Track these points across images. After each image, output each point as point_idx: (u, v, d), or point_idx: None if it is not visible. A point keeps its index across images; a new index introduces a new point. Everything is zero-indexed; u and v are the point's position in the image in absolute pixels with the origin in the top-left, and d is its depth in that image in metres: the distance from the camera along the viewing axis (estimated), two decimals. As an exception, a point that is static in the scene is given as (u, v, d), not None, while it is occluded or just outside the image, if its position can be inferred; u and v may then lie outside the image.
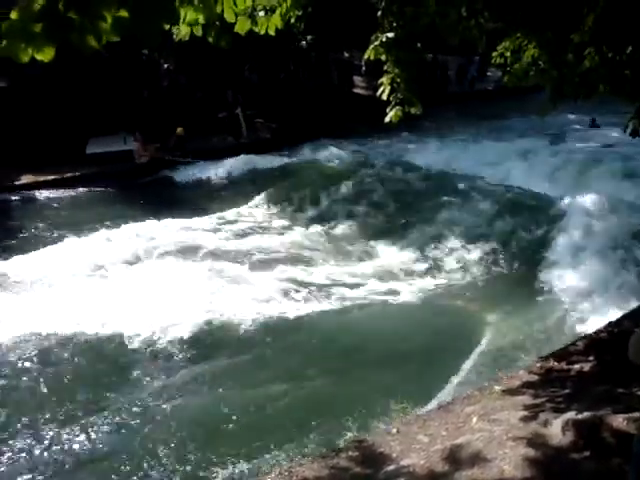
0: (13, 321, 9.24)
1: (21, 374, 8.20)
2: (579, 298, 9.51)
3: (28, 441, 6.91)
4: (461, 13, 5.72)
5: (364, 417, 6.63)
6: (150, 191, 16.35)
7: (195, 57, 18.95)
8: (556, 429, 4.13)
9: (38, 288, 10.47)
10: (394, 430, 5.08)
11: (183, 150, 18.33)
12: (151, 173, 17.49)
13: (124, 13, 1.81)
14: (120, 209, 15.00)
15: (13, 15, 1.79)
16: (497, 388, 5.61)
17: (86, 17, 1.75)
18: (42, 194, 16.29)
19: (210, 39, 3.64)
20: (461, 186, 14.35)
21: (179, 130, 18.58)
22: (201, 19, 3.36)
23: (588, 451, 3.83)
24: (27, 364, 8.40)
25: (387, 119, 5.45)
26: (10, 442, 6.87)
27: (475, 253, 11.47)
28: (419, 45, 5.43)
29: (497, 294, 10.24)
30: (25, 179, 16.94)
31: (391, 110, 5.39)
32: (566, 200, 12.36)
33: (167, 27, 3.51)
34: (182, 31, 3.61)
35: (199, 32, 3.53)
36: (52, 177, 16.94)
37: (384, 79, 5.36)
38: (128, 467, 6.42)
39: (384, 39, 5.22)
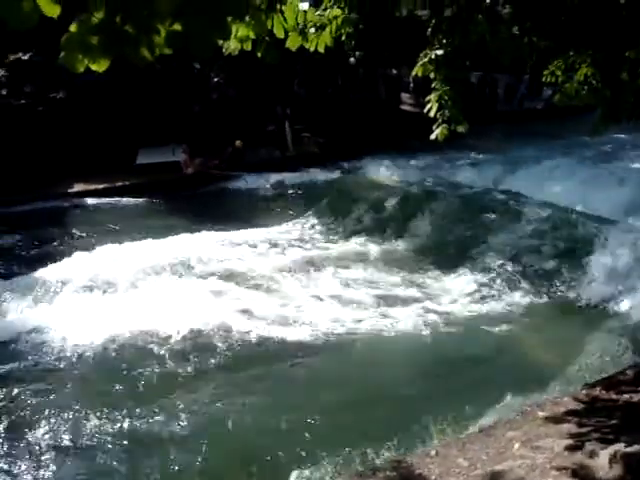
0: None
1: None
2: (629, 325, 9.20)
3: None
4: (512, 31, 5.66)
5: (403, 437, 6.53)
6: (196, 202, 16.61)
7: (245, 71, 19.30)
8: (603, 461, 3.98)
9: (70, 294, 10.73)
10: (433, 452, 4.99)
11: (238, 163, 18.54)
12: (199, 185, 17.77)
13: (178, 27, 1.85)
14: (166, 219, 15.29)
15: (72, 28, 1.86)
16: (540, 414, 5.46)
17: (142, 31, 1.80)
18: (93, 202, 16.73)
19: (259, 54, 3.70)
20: (509, 206, 14.09)
21: (238, 143, 18.84)
22: (251, 34, 3.43)
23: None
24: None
25: (433, 136, 5.43)
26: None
27: (521, 275, 11.21)
28: (468, 63, 5.40)
29: (543, 318, 9.98)
30: (77, 187, 17.45)
31: (437, 128, 5.37)
32: (620, 222, 12.01)
33: (220, 42, 3.60)
34: (231, 46, 3.69)
35: (249, 47, 3.60)
36: (103, 186, 17.42)
37: (432, 96, 5.34)
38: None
39: (433, 56, 5.21)
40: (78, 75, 2.03)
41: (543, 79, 6.58)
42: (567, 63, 6.21)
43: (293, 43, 3.81)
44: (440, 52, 5.16)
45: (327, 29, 4.37)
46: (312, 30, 4.19)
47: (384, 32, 18.48)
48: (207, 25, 1.81)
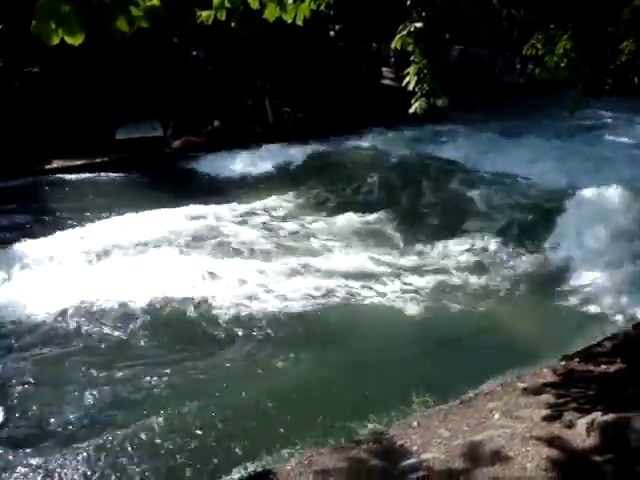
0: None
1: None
2: (606, 297, 9.36)
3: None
4: (493, 3, 5.61)
5: (385, 409, 6.61)
6: (176, 178, 16.47)
7: (225, 45, 19.03)
8: (580, 429, 4.07)
9: (50, 266, 10.69)
10: (415, 423, 5.06)
11: (218, 140, 18.41)
12: (179, 160, 17.62)
13: (155, 1, 1.79)
14: (144, 195, 15.09)
15: None
16: (520, 385, 5.56)
17: (118, 0, 1.72)
18: (72, 178, 16.49)
19: (233, 24, 3.60)
20: (492, 182, 14.20)
21: (217, 123, 18.82)
22: (226, 3, 3.34)
23: (612, 454, 3.76)
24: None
25: (411, 110, 5.39)
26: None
27: (499, 250, 11.35)
28: (448, 36, 5.34)
29: (521, 291, 10.13)
30: (55, 164, 17.16)
31: (416, 101, 5.34)
32: (600, 198, 12.16)
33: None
34: (204, 14, 3.58)
35: (222, 16, 3.49)
36: (81, 162, 17.15)
37: (410, 69, 5.29)
38: (143, 452, 6.51)
39: (412, 29, 5.14)
40: (53, 48, 1.90)
41: (524, 52, 6.55)
42: (547, 36, 6.18)
43: (271, 14, 3.71)
44: (419, 25, 5.09)
45: (306, 1, 4.28)
46: (290, 1, 4.10)
47: (364, 4, 18.28)
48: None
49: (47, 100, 17.63)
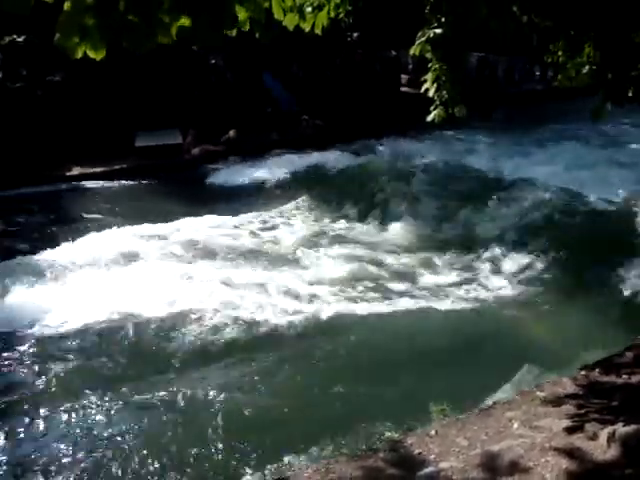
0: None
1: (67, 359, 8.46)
2: (628, 307, 9.24)
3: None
4: (513, 10, 5.58)
5: (402, 418, 6.58)
6: (195, 185, 16.55)
7: (243, 53, 19.16)
8: (601, 441, 4.01)
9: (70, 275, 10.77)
10: (433, 432, 5.03)
11: (236, 148, 18.55)
12: (197, 168, 17.73)
13: (186, 21, 1.80)
14: (164, 202, 15.20)
15: (66, 6, 1.78)
16: (539, 394, 5.50)
17: (145, 20, 1.73)
18: (92, 185, 16.66)
19: (257, 34, 3.65)
20: (513, 189, 14.04)
21: (232, 133, 18.97)
22: (250, 13, 3.38)
23: (634, 466, 3.70)
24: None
25: (429, 118, 5.38)
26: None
27: (520, 258, 11.23)
28: (466, 43, 5.32)
29: (542, 300, 10.02)
30: (75, 170, 17.38)
31: (434, 109, 5.33)
32: (623, 206, 12.03)
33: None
34: None
35: (246, 28, 3.55)
36: (101, 169, 17.35)
37: (429, 76, 5.28)
38: (161, 458, 6.54)
39: (431, 35, 5.14)
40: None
41: (545, 59, 6.50)
42: (568, 43, 6.13)
43: (290, 22, 3.75)
44: (438, 31, 5.08)
45: (325, 9, 4.31)
46: (309, 9, 4.12)
47: (383, 11, 18.29)
48: (215, 18, 1.75)
49: (68, 108, 17.91)
